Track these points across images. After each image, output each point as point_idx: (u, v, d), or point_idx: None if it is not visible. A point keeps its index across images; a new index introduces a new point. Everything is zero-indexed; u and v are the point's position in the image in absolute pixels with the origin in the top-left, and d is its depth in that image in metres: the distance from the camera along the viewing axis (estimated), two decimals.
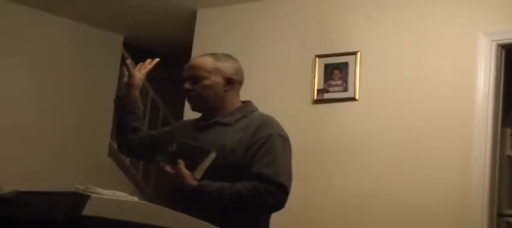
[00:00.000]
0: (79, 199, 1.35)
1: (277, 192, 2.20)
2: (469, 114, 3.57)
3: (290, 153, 2.33)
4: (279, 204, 2.22)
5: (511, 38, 3.58)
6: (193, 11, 4.74)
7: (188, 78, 2.39)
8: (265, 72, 4.28)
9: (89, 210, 1.33)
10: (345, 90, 4.00)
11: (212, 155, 2.21)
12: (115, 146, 5.58)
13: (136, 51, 5.79)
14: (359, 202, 3.76)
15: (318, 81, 4.09)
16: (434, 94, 3.72)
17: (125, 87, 2.56)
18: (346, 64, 4.02)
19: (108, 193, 1.46)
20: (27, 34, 5.02)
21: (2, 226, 1.48)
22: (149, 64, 2.62)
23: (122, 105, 2.56)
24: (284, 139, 2.31)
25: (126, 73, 2.56)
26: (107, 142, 5.49)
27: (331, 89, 4.06)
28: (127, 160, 5.71)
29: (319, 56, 4.13)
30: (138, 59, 6.25)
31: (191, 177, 2.20)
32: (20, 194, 1.49)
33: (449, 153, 3.60)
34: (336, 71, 4.05)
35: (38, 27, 5.06)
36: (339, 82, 4.04)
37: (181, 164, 2.20)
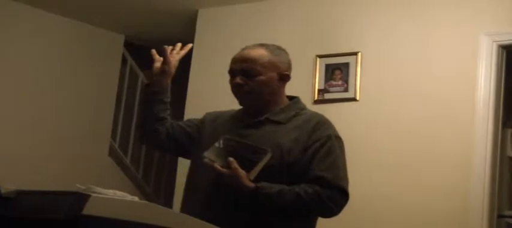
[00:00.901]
0: (79, 199, 1.35)
1: (338, 198, 2.10)
2: (470, 115, 3.57)
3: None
4: (339, 210, 2.12)
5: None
6: (195, 11, 4.74)
7: (241, 71, 2.21)
8: None
9: (89, 210, 1.33)
10: (346, 90, 4.00)
11: (268, 155, 2.06)
12: (115, 145, 5.61)
13: (137, 50, 5.80)
14: (359, 203, 3.75)
15: (318, 82, 4.09)
16: (435, 94, 3.72)
17: (158, 74, 2.32)
18: (347, 64, 4.02)
19: (108, 193, 1.46)
20: (28, 32, 5.02)
21: (2, 225, 1.48)
22: (181, 50, 2.38)
23: (154, 94, 2.33)
24: (341, 141, 2.21)
25: (159, 58, 2.34)
26: (108, 141, 5.49)
27: (332, 89, 4.06)
28: (127, 159, 5.72)
29: (320, 56, 4.14)
30: (139, 58, 6.29)
31: (247, 178, 2.05)
32: (20, 193, 1.49)
33: (449, 153, 3.60)
34: (337, 71, 4.06)
35: (39, 25, 5.06)
36: (340, 82, 4.04)
37: (234, 162, 2.04)
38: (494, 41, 3.59)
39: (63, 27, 5.17)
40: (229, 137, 2.16)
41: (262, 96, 2.21)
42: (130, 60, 5.73)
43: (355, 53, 4.01)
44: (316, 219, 2.21)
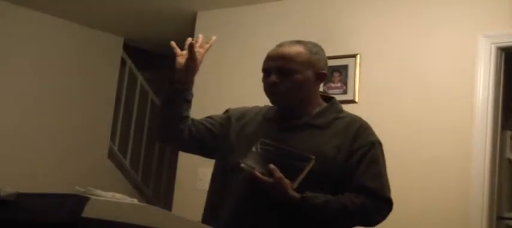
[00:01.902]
0: (79, 201, 1.35)
1: (384, 209, 2.05)
2: (469, 117, 3.57)
3: None
4: (382, 219, 2.07)
5: (510, 40, 3.58)
6: (193, 13, 4.75)
7: (276, 69, 2.09)
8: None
9: (88, 212, 1.33)
10: (345, 92, 4.00)
11: (312, 163, 1.95)
12: (115, 147, 5.61)
13: (136, 53, 5.81)
14: None
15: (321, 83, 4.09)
16: (434, 96, 3.72)
17: (182, 70, 2.15)
18: (345, 66, 4.02)
19: (107, 195, 1.46)
20: (27, 35, 5.02)
21: None
22: (207, 43, 2.25)
23: (178, 92, 2.16)
24: (382, 147, 2.14)
25: (183, 53, 2.17)
26: (107, 144, 5.49)
27: (330, 91, 4.06)
28: (126, 162, 5.72)
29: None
30: (138, 61, 6.29)
31: (292, 187, 1.94)
32: (19, 195, 1.49)
33: (448, 155, 3.60)
34: (336, 74, 4.06)
35: (37, 28, 5.06)
36: (339, 84, 4.04)
37: (277, 171, 1.92)
38: (492, 43, 3.59)
39: (62, 30, 5.18)
40: (267, 141, 2.03)
41: (297, 97, 2.10)
42: (129, 63, 5.74)
43: (354, 55, 4.01)
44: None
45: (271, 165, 1.93)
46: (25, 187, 1.57)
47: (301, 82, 2.08)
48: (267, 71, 2.13)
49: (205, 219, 2.12)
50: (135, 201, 1.51)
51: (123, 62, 5.65)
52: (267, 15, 4.45)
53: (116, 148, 5.64)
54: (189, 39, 2.17)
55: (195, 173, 4.40)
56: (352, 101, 3.96)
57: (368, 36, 4.03)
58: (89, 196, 1.37)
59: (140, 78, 5.85)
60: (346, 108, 4.00)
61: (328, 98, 2.23)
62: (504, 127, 3.89)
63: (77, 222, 1.31)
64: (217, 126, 2.22)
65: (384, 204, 2.05)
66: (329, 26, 4.19)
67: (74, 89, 5.25)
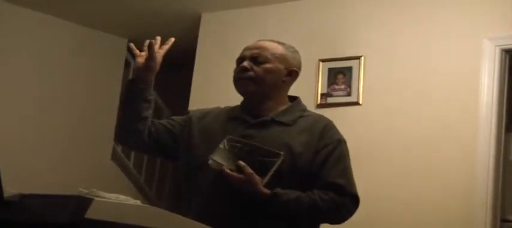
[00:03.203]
0: (82, 202, 1.34)
1: (351, 205, 2.05)
2: (473, 119, 3.56)
3: None
4: (349, 216, 2.07)
5: None
6: (198, 15, 4.75)
7: (250, 57, 2.14)
8: None
9: (92, 214, 1.33)
10: (349, 94, 4.00)
11: (281, 158, 1.93)
12: (118, 149, 5.61)
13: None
14: (362, 206, 3.75)
15: (321, 86, 4.09)
16: (438, 99, 3.72)
17: (142, 69, 2.17)
18: (349, 68, 4.02)
19: (111, 196, 1.46)
20: (31, 37, 5.03)
21: None
22: (165, 44, 2.29)
23: (137, 91, 2.17)
24: (347, 145, 2.15)
25: (142, 54, 2.20)
26: (110, 145, 5.50)
27: (334, 93, 4.06)
28: (130, 163, 5.72)
29: (323, 60, 4.13)
30: None
31: (262, 184, 1.92)
32: (23, 197, 1.49)
33: (452, 158, 3.59)
34: (340, 76, 4.05)
35: (42, 29, 5.07)
36: (343, 86, 4.04)
37: (247, 167, 1.91)
38: (497, 46, 3.59)
39: (66, 31, 5.18)
40: (235, 138, 2.01)
41: (264, 86, 2.11)
42: (133, 64, 5.73)
43: (358, 57, 4.01)
44: (320, 225, 2.16)
45: (240, 162, 1.91)
46: (28, 188, 1.57)
47: (271, 71, 2.12)
48: (240, 59, 2.17)
49: (175, 207, 2.09)
50: (139, 202, 1.50)
51: (127, 64, 5.65)
52: (271, 17, 4.45)
53: (119, 149, 5.65)
54: (148, 41, 2.22)
55: None
56: (356, 103, 3.96)
57: (372, 38, 4.02)
58: (92, 197, 1.36)
59: None
60: (350, 110, 4.03)
61: (292, 99, 2.25)
62: (508, 130, 3.88)
63: (80, 223, 1.31)
64: (177, 126, 2.21)
65: (350, 201, 2.05)
66: (333, 29, 4.19)
67: (78, 90, 5.25)
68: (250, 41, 2.23)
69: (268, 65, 2.13)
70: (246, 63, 2.13)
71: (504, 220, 3.79)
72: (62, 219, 1.32)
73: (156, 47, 2.23)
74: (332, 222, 2.13)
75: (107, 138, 5.44)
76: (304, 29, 4.30)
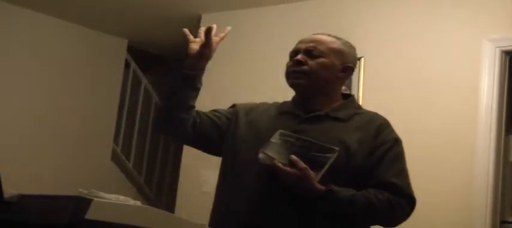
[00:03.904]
0: (82, 203, 1.35)
1: (407, 207, 1.97)
2: (473, 121, 3.56)
3: None
4: (405, 219, 1.98)
5: None
6: (198, 16, 4.75)
7: (305, 50, 2.05)
8: (269, 77, 4.28)
9: (91, 214, 1.33)
10: None
11: (336, 154, 1.82)
12: (118, 149, 5.62)
13: (140, 55, 5.81)
14: None
15: None
16: (437, 100, 3.72)
17: (195, 56, 2.05)
18: None
19: (111, 197, 1.46)
20: (32, 37, 5.03)
21: None
22: (222, 33, 2.14)
23: (187, 78, 2.05)
24: (402, 145, 2.06)
25: (196, 40, 2.07)
26: (110, 146, 5.50)
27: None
28: (129, 164, 5.72)
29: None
30: (142, 63, 6.29)
31: (316, 180, 1.82)
32: (23, 197, 1.49)
33: (452, 159, 3.59)
34: None
35: (42, 30, 5.07)
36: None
37: (300, 161, 1.80)
38: (497, 47, 3.59)
39: (66, 32, 5.19)
40: (287, 132, 1.90)
41: (318, 81, 2.01)
42: (133, 65, 5.74)
43: (358, 58, 3.99)
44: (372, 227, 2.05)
45: (293, 156, 1.81)
46: (28, 189, 1.57)
47: (326, 66, 2.02)
48: (294, 52, 2.09)
49: (214, 219, 2.04)
50: (138, 203, 1.51)
51: (127, 65, 5.66)
52: (271, 18, 4.45)
53: (119, 150, 5.65)
54: (204, 27, 2.07)
55: (198, 175, 4.40)
56: None
57: (372, 39, 4.02)
58: (92, 198, 1.37)
59: (144, 81, 5.85)
60: None
61: (346, 96, 2.16)
62: (508, 131, 3.88)
63: (80, 224, 1.31)
64: (223, 119, 2.12)
65: (407, 203, 1.96)
66: (333, 29, 4.17)
67: (78, 90, 5.26)
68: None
69: (323, 60, 2.04)
70: (300, 57, 2.04)
71: (504, 221, 3.78)
72: (62, 219, 1.32)
73: (212, 33, 2.07)
74: (387, 224, 2.01)
75: (107, 138, 5.45)
76: (304, 30, 4.28)
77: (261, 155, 1.84)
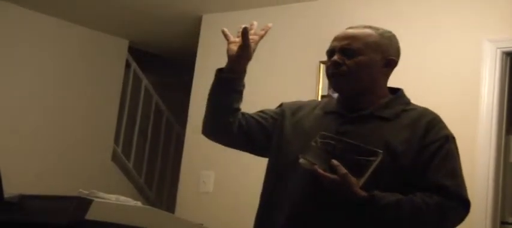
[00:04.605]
0: (82, 203, 1.35)
1: (461, 211, 1.82)
2: (474, 121, 3.56)
3: None
4: (458, 223, 1.85)
5: None
6: (199, 16, 4.75)
7: (341, 49, 1.93)
8: (270, 78, 4.28)
9: (92, 215, 1.33)
10: None
11: (379, 158, 1.73)
12: (118, 150, 5.61)
13: (141, 55, 5.81)
14: None
15: (322, 87, 4.08)
16: (438, 100, 3.70)
17: (234, 58, 1.99)
18: None
19: (111, 198, 1.47)
20: (32, 37, 5.03)
21: None
22: (262, 30, 2.07)
23: (229, 81, 2.00)
24: (456, 142, 1.94)
25: (236, 40, 2.00)
26: (111, 146, 5.50)
27: (335, 95, 4.05)
28: (130, 164, 5.72)
29: (324, 62, 4.12)
30: (143, 63, 6.29)
31: (358, 186, 1.72)
32: (23, 197, 1.49)
33: None
34: None
35: (43, 30, 5.07)
36: None
37: (341, 167, 1.70)
38: (498, 48, 3.58)
39: (66, 32, 5.18)
40: (328, 134, 1.80)
41: (360, 81, 1.90)
42: (134, 65, 5.74)
43: None
44: None
45: (334, 161, 1.71)
46: (29, 189, 1.58)
47: (366, 64, 1.91)
48: (330, 52, 1.97)
49: (259, 220, 1.97)
50: (139, 203, 1.51)
51: (127, 65, 5.65)
52: (271, 19, 4.42)
53: (119, 150, 5.65)
54: (242, 26, 1.98)
55: (198, 176, 4.40)
56: None
57: None
58: (92, 198, 1.37)
59: (145, 81, 5.85)
60: None
61: (394, 90, 2.05)
62: (509, 132, 3.88)
63: (81, 224, 1.31)
64: (269, 120, 2.05)
65: (461, 206, 1.81)
66: (333, 31, 4.18)
67: (78, 91, 5.25)
68: None
69: (361, 58, 1.90)
70: (336, 57, 1.92)
71: (504, 222, 3.78)
72: (62, 220, 1.32)
73: (252, 32, 2.01)
74: None
75: (107, 138, 5.45)
76: (305, 31, 4.30)
77: (301, 160, 1.77)
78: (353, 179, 1.70)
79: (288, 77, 4.23)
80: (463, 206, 1.83)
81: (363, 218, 1.75)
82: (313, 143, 1.78)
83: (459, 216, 1.83)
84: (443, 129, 1.92)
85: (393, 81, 3.94)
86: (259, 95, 4.05)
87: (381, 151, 1.73)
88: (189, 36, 4.92)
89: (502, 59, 3.59)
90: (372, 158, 1.73)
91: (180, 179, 4.57)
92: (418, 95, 3.77)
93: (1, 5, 4.83)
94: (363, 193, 1.71)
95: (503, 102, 3.59)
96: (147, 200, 5.71)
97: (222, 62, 2.08)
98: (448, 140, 1.90)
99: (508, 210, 3.92)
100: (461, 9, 3.77)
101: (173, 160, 5.94)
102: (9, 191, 1.49)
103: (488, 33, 3.62)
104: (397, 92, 2.03)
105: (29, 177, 4.55)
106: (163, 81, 6.30)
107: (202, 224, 1.97)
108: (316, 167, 1.73)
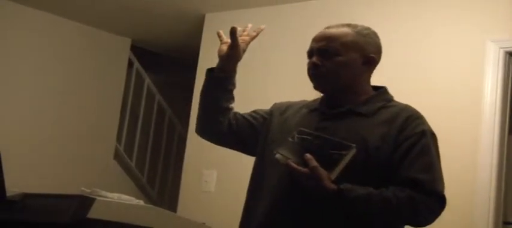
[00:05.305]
0: (85, 202, 1.35)
1: (435, 205, 1.81)
2: (476, 121, 3.55)
3: None
4: (433, 219, 1.84)
5: None
6: (202, 15, 4.75)
7: (318, 50, 1.95)
8: (270, 78, 4.28)
9: (94, 213, 1.33)
10: None
11: (352, 151, 1.74)
12: (121, 148, 5.62)
13: (143, 54, 5.82)
14: None
15: None
16: (441, 101, 3.71)
17: (224, 58, 2.04)
18: None
19: (113, 196, 1.47)
20: (34, 35, 5.03)
21: None
22: (254, 32, 2.11)
23: (219, 81, 2.04)
24: (436, 138, 1.93)
25: (227, 40, 2.06)
26: (113, 145, 5.50)
27: None
28: (132, 163, 5.73)
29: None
30: (145, 62, 6.28)
31: (328, 179, 1.72)
32: (25, 196, 1.50)
33: (455, 160, 3.58)
34: None
35: (45, 29, 5.07)
36: None
37: (312, 160, 1.71)
38: (501, 48, 3.58)
39: (69, 30, 5.19)
40: (305, 130, 1.85)
41: (339, 80, 1.92)
42: (136, 64, 5.75)
43: None
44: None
45: (307, 155, 1.72)
46: (31, 188, 1.58)
47: (344, 64, 1.92)
48: (309, 53, 2.00)
49: (245, 213, 2.02)
50: (141, 202, 1.51)
51: (130, 64, 5.66)
52: (273, 19, 4.45)
53: (122, 149, 5.65)
54: (231, 27, 2.05)
55: (200, 175, 4.40)
56: None
57: None
58: (94, 197, 1.37)
59: (147, 80, 5.86)
60: None
61: (379, 88, 2.07)
62: (511, 132, 3.88)
63: (83, 222, 1.32)
64: (260, 120, 2.09)
65: (435, 201, 1.81)
66: None
67: (81, 89, 5.26)
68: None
69: (339, 58, 1.92)
70: (315, 59, 1.95)
71: (506, 222, 3.78)
72: (65, 218, 1.33)
73: (244, 34, 2.07)
74: (412, 225, 1.88)
75: (109, 137, 5.46)
76: (306, 31, 4.29)
77: (277, 155, 1.79)
78: (323, 172, 1.71)
79: (288, 77, 4.22)
80: (438, 200, 1.82)
81: (336, 212, 1.77)
82: (290, 139, 1.82)
83: (433, 210, 1.82)
84: (421, 125, 1.91)
85: (393, 82, 3.93)
86: (258, 94, 4.06)
87: (354, 145, 1.74)
88: (191, 35, 4.92)
89: (505, 59, 3.58)
90: (344, 152, 1.74)
91: (182, 177, 4.57)
92: (421, 95, 3.79)
93: (4, 3, 4.83)
94: (332, 186, 1.72)
95: (506, 102, 3.59)
96: (149, 199, 5.72)
97: None
98: (425, 135, 1.88)
99: (511, 210, 3.91)
100: (464, 10, 3.77)
101: (175, 159, 5.95)
102: (12, 190, 1.50)
103: (491, 33, 3.62)
104: (379, 89, 2.04)
105: (31, 176, 4.56)
106: (166, 80, 6.31)
107: (204, 223, 1.97)
108: (289, 161, 1.74)
